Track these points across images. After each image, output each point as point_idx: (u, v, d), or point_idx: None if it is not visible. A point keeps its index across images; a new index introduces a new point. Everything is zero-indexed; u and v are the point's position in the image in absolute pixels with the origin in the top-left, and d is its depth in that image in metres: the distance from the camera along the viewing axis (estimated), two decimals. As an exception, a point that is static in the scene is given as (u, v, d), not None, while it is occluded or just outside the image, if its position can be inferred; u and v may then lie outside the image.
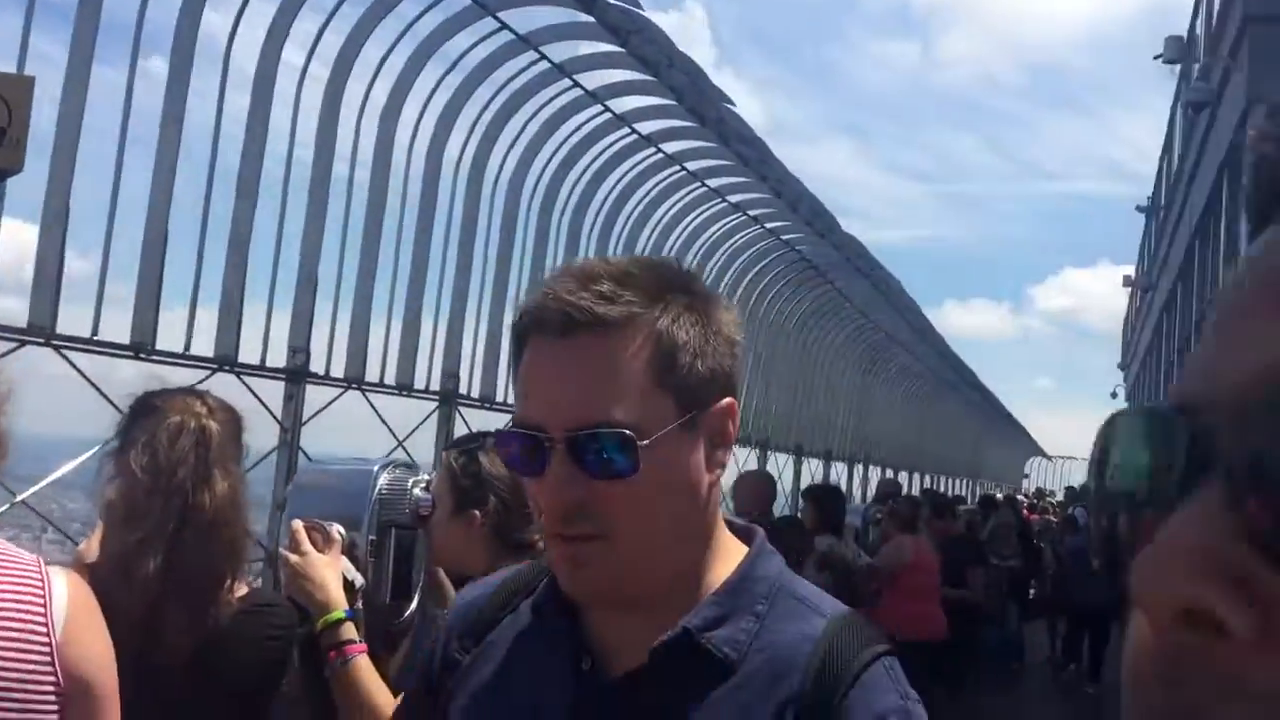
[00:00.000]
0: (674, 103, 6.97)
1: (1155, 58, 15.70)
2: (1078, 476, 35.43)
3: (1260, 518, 0.39)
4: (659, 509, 1.17)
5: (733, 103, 6.89)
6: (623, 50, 6.19)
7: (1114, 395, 31.74)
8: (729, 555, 1.27)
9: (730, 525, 1.31)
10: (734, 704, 1.16)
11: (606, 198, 8.26)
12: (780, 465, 13.71)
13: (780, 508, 9.39)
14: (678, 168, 8.43)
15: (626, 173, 8.19)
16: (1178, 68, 15.50)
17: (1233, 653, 0.39)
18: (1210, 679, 0.40)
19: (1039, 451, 52.49)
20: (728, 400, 1.22)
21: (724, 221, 9.90)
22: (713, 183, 8.96)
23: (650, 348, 1.15)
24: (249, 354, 5.51)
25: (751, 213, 9.82)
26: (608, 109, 7.28)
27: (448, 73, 6.56)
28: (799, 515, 7.92)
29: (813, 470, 14.96)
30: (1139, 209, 22.88)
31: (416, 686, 1.42)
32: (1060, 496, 22.33)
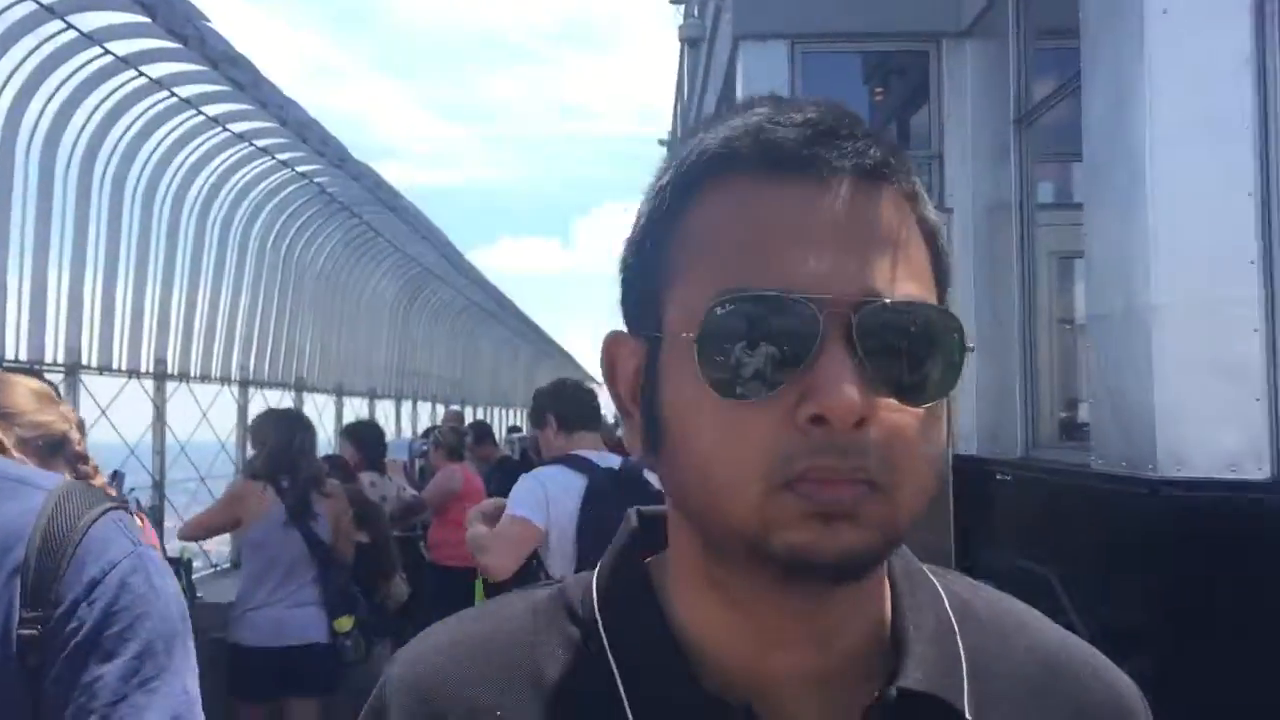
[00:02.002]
0: (146, 19, 6.36)
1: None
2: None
3: None
4: None
5: (208, 19, 6.39)
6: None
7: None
8: None
9: None
10: None
11: (82, 129, 7.45)
12: (320, 406, 13.34)
13: (323, 447, 9.21)
14: (166, 93, 7.77)
15: (103, 100, 7.42)
16: (682, 7, 16.35)
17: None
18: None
19: (590, 378, 55.22)
20: None
21: (231, 153, 9.29)
22: (211, 110, 8.36)
23: None
24: None
25: (259, 143, 9.29)
26: (72, 27, 6.53)
27: None
28: (340, 454, 7.78)
29: (356, 409, 14.68)
30: (661, 143, 24.24)
31: None
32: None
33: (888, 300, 0.72)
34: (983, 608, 0.88)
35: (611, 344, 0.83)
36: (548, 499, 3.92)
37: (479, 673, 0.82)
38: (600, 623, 0.82)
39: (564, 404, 4.36)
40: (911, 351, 0.72)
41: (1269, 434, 4.21)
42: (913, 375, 0.72)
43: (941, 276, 0.80)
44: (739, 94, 9.72)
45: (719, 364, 0.71)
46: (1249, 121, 4.25)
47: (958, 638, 0.83)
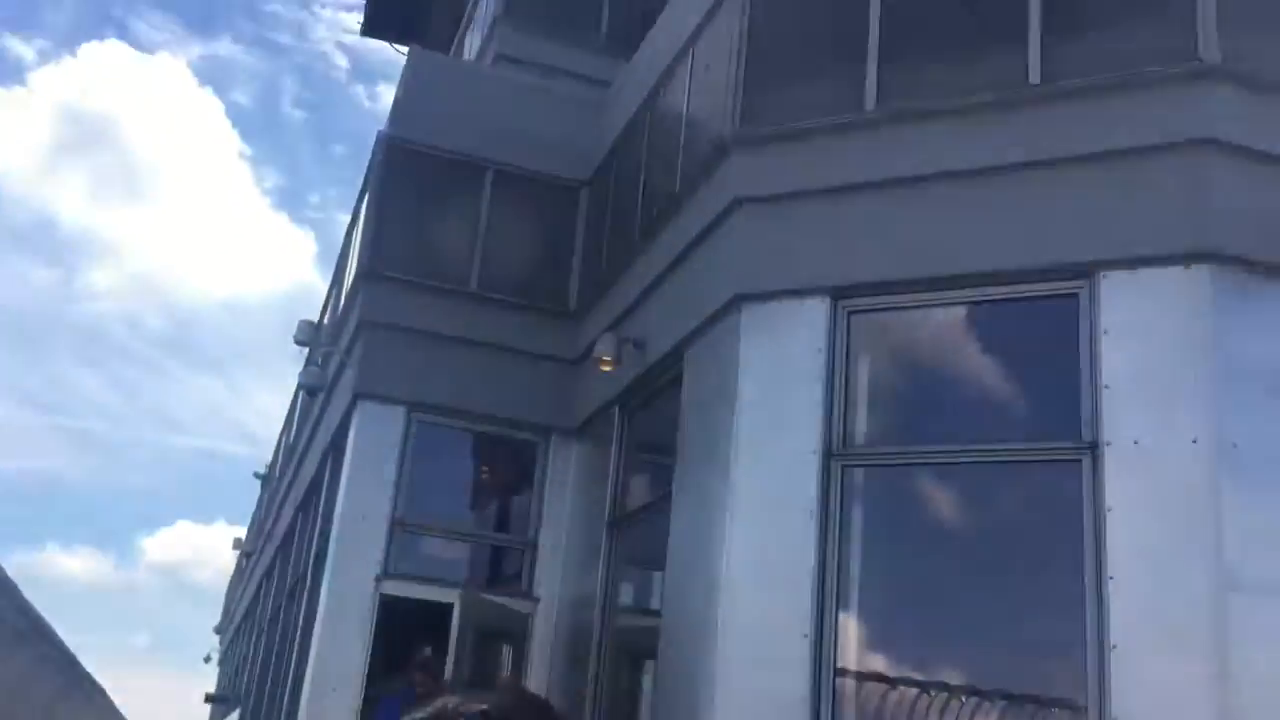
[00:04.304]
0: None
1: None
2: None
3: None
4: None
5: None
6: None
7: (207, 659, 31.03)
8: None
9: None
10: None
11: None
12: None
13: None
14: None
15: None
16: (307, 351, 16.43)
17: None
18: None
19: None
20: None
21: None
22: None
23: None
24: None
25: None
26: None
27: None
28: None
29: None
30: (256, 475, 23.51)
31: None
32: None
33: None
34: None
35: None
36: None
37: None
38: None
39: None
40: None
41: None
42: None
43: None
44: (349, 448, 9.69)
45: None
46: (809, 572, 4.74)
47: None
